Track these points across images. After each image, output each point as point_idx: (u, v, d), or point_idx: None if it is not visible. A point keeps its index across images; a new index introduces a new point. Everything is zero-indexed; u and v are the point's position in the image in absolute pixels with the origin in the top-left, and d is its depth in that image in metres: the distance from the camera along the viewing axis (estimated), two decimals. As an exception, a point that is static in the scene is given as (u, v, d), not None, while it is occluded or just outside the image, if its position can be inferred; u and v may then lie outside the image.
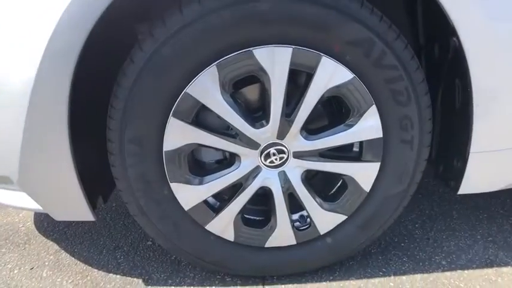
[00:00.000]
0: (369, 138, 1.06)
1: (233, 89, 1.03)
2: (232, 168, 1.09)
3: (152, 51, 0.96)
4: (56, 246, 1.41)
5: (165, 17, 0.95)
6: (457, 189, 1.15)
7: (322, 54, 0.97)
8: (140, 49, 0.97)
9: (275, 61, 0.97)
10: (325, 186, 1.19)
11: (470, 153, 1.09)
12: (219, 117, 1.02)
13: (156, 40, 0.95)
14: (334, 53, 0.97)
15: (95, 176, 1.15)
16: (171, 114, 1.01)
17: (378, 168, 1.10)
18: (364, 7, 0.94)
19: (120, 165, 1.06)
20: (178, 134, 1.03)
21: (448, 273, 1.24)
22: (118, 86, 1.00)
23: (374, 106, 1.02)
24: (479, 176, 1.14)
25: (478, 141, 1.07)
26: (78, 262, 1.33)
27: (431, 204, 1.55)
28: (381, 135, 1.06)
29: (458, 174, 1.14)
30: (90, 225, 1.50)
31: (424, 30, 1.15)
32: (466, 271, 1.24)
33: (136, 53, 0.97)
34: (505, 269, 1.24)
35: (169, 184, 1.07)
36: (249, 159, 1.08)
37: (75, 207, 1.10)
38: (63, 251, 1.39)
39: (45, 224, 1.53)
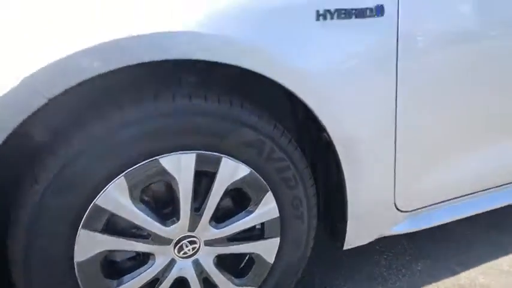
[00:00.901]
0: (268, 219, 1.21)
1: (142, 191, 1.09)
2: (148, 265, 1.13)
3: (57, 170, 0.97)
4: None
5: (70, 135, 0.97)
6: (343, 246, 1.37)
7: (222, 155, 1.10)
8: (44, 170, 0.97)
9: (181, 166, 1.06)
10: (234, 263, 1.30)
11: (348, 216, 1.32)
12: (130, 222, 1.07)
13: (60, 159, 0.97)
14: (232, 154, 1.11)
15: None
16: (80, 227, 1.02)
17: (279, 242, 1.25)
18: (252, 114, 1.10)
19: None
20: (89, 244, 1.04)
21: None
22: (20, 207, 0.98)
23: (270, 192, 1.18)
24: (357, 233, 1.38)
25: (352, 206, 1.31)
26: None
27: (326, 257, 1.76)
28: (278, 215, 1.22)
29: (341, 234, 1.36)
30: None
31: (305, 127, 1.36)
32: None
33: (40, 174, 0.97)
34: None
35: (85, 295, 1.07)
36: (163, 255, 1.14)
37: None
38: None
39: None
